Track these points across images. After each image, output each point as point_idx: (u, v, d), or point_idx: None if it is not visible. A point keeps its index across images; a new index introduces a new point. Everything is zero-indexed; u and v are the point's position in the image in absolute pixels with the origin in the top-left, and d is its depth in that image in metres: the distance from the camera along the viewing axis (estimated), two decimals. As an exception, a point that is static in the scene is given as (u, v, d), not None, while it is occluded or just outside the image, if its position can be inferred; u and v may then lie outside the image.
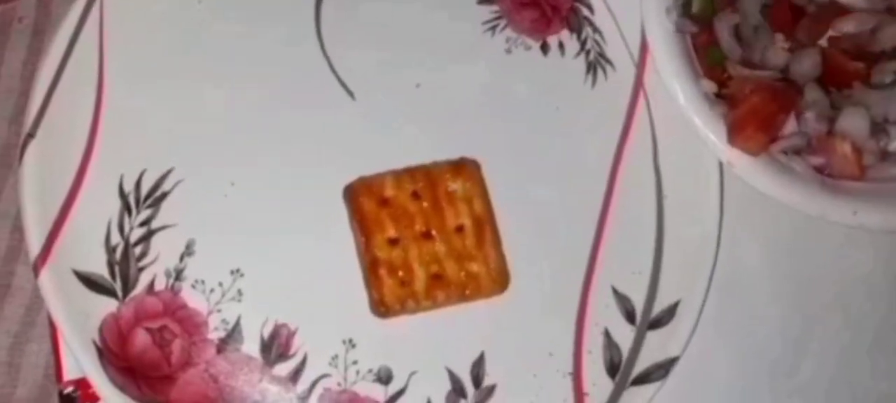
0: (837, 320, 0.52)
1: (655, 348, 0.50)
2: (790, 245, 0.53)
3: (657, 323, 0.50)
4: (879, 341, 0.51)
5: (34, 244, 0.46)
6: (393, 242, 0.48)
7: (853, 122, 0.49)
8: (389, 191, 0.49)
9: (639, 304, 0.51)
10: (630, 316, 0.51)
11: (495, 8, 0.54)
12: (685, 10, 0.51)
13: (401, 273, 0.48)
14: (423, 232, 0.49)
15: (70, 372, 0.46)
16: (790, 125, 0.50)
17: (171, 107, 0.50)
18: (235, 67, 0.51)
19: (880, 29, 0.52)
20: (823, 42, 0.53)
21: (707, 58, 0.51)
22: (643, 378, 0.49)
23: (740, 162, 0.49)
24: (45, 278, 0.46)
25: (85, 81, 0.49)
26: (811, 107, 0.49)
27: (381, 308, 0.48)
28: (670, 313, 0.50)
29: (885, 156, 0.51)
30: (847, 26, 0.52)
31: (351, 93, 0.52)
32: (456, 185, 0.49)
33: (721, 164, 0.51)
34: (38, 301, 0.48)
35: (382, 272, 0.48)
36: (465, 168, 0.50)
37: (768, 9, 0.53)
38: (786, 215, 0.50)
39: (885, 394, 0.51)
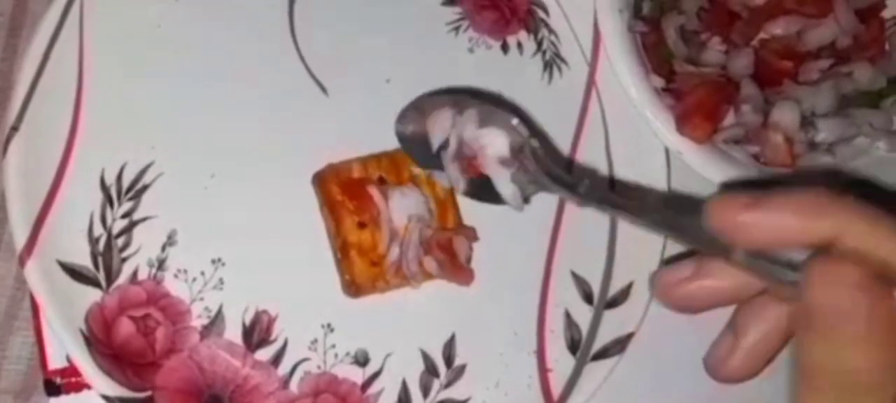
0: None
1: (613, 325, 0.53)
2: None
3: (613, 303, 0.54)
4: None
5: (19, 236, 0.46)
6: (362, 225, 0.50)
7: (785, 115, 0.54)
8: (356, 177, 0.50)
9: (596, 286, 0.54)
10: (588, 297, 0.54)
11: (458, 9, 0.57)
12: (636, 11, 0.55)
13: (371, 254, 0.50)
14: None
15: (54, 362, 0.47)
16: (730, 118, 0.54)
17: (151, 101, 0.51)
18: (213, 63, 0.52)
19: (806, 31, 0.57)
20: (756, 43, 0.57)
21: (656, 56, 0.55)
22: (602, 354, 0.52)
23: (687, 150, 0.53)
24: (31, 269, 0.46)
25: (66, 76, 0.50)
26: (747, 102, 0.54)
27: (352, 288, 0.49)
28: (625, 293, 0.54)
29: (812, 146, 0.55)
30: (776, 29, 0.57)
31: (324, 89, 0.54)
32: (419, 170, 0.51)
33: (668, 153, 0.54)
34: (19, 293, 0.48)
35: (353, 254, 0.49)
36: None
37: (706, 12, 0.57)
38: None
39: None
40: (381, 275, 0.50)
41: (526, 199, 0.46)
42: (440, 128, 0.47)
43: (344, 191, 0.50)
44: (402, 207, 0.49)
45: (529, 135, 0.44)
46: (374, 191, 0.49)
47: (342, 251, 0.50)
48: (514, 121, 0.45)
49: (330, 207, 0.50)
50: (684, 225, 0.36)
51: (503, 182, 0.45)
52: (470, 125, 0.46)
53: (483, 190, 0.46)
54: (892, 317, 0.30)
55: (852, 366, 0.30)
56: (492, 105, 0.46)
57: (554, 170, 0.44)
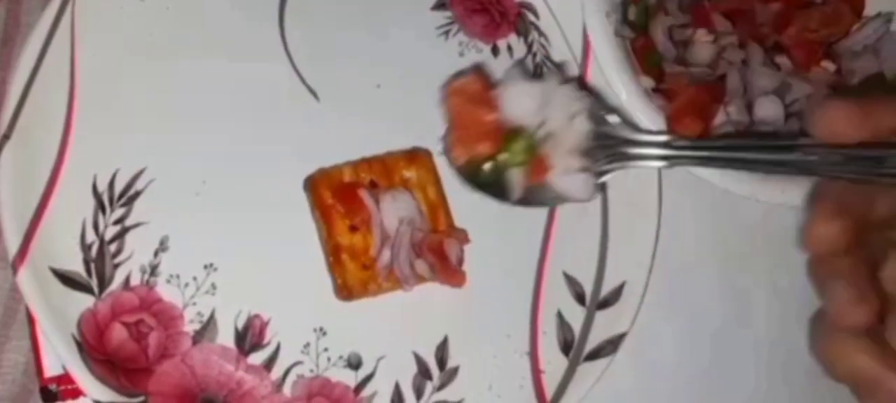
0: (768, 293, 0.57)
1: (605, 326, 0.53)
2: (723, 226, 0.57)
3: (605, 303, 0.54)
4: (803, 310, 0.56)
5: (12, 243, 0.47)
6: (353, 229, 0.50)
7: (768, 110, 0.54)
8: (347, 181, 0.50)
9: (588, 287, 0.54)
10: (580, 298, 0.54)
11: (448, 14, 0.57)
12: (623, 17, 0.55)
13: (363, 257, 0.50)
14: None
15: (50, 369, 0.47)
16: (720, 116, 0.54)
17: (143, 108, 0.51)
18: (204, 71, 0.52)
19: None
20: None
21: (645, 60, 0.55)
22: (594, 354, 0.52)
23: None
24: (24, 276, 0.46)
25: (58, 84, 0.50)
26: (733, 95, 0.54)
27: (344, 291, 0.50)
28: (617, 294, 0.54)
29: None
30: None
31: (315, 94, 0.54)
32: (410, 173, 0.52)
33: (659, 155, 0.55)
34: (14, 301, 0.48)
35: (345, 257, 0.50)
36: (418, 156, 0.52)
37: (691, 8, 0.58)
38: (719, 198, 0.54)
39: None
40: (372, 279, 0.50)
41: (600, 186, 0.43)
42: (524, 113, 0.43)
43: (335, 195, 0.50)
44: (394, 210, 0.50)
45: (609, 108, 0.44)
46: (365, 195, 0.50)
47: (334, 255, 0.50)
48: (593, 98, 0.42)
49: (321, 211, 0.50)
50: (779, 156, 0.38)
51: (566, 178, 0.43)
52: (558, 112, 0.42)
53: (533, 197, 0.44)
54: None
55: None
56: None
57: (638, 136, 0.42)
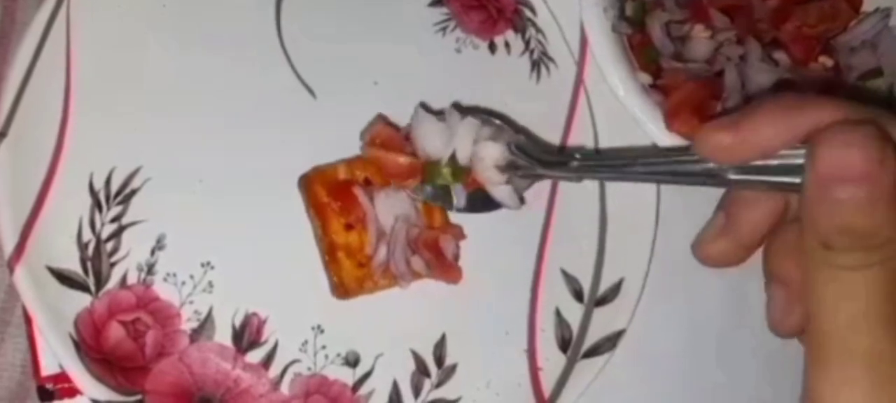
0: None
1: (603, 323, 0.53)
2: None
3: (603, 300, 0.54)
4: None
5: (8, 241, 0.46)
6: (349, 227, 0.50)
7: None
8: (342, 178, 0.50)
9: (586, 283, 0.54)
10: (578, 295, 0.54)
11: (445, 10, 0.57)
12: (620, 12, 0.55)
13: (358, 255, 0.50)
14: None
15: (47, 368, 0.47)
16: (717, 113, 0.54)
17: (139, 106, 0.51)
18: (200, 68, 0.52)
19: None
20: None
21: (642, 56, 0.55)
22: (593, 351, 0.52)
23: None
24: (20, 275, 0.46)
25: (53, 82, 0.50)
26: (731, 90, 0.54)
27: (340, 290, 0.50)
28: (615, 290, 0.54)
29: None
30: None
31: (312, 92, 0.54)
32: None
33: (657, 150, 0.55)
34: (11, 300, 0.48)
35: (340, 255, 0.49)
36: None
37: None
38: (718, 194, 0.54)
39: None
40: (368, 276, 0.50)
41: (522, 198, 0.48)
42: (434, 148, 0.48)
43: (330, 193, 0.50)
44: (389, 208, 0.49)
45: (515, 131, 0.47)
46: (359, 193, 0.49)
47: (329, 253, 0.50)
48: (497, 122, 0.47)
49: (316, 209, 0.50)
50: (676, 166, 0.38)
51: (498, 188, 0.47)
52: (464, 142, 0.47)
53: (478, 202, 0.49)
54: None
55: (865, 226, 0.32)
56: (475, 113, 0.48)
57: (544, 155, 0.46)
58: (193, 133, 0.51)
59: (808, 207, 0.33)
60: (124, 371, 0.47)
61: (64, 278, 0.48)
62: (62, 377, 0.47)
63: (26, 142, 0.48)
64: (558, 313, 0.53)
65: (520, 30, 0.58)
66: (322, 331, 0.50)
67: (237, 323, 0.50)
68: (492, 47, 0.57)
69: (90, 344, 0.47)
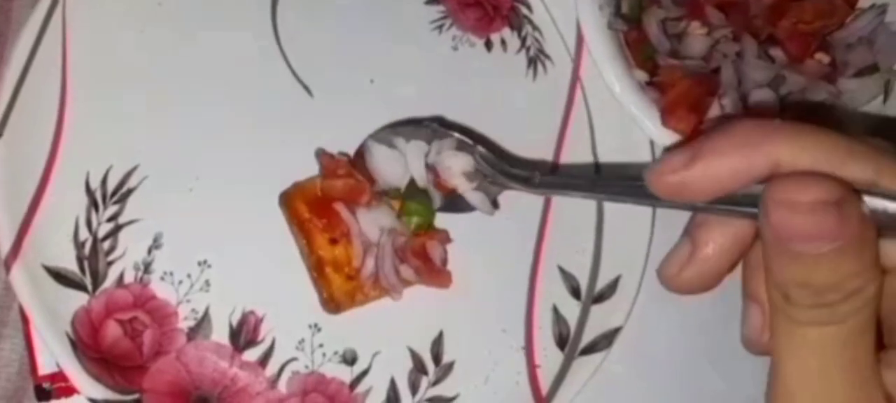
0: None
1: (600, 320, 0.53)
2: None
3: (601, 298, 0.54)
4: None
5: (4, 240, 0.47)
6: (333, 241, 0.49)
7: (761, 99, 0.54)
8: (321, 194, 0.50)
9: (583, 281, 0.54)
10: (575, 292, 0.54)
11: (441, 8, 0.57)
12: (616, 9, 0.55)
13: (346, 268, 0.49)
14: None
15: (44, 367, 0.47)
16: (714, 109, 0.54)
17: (135, 105, 0.51)
18: (197, 67, 0.52)
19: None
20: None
21: (638, 53, 0.55)
22: (590, 348, 0.52)
23: (672, 142, 0.53)
24: (17, 274, 0.46)
25: (49, 81, 0.50)
26: (728, 87, 0.54)
27: (331, 304, 0.49)
28: (612, 287, 0.54)
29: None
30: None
31: (308, 90, 0.54)
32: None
33: (653, 146, 0.54)
34: (7, 299, 0.48)
35: (328, 270, 0.49)
36: None
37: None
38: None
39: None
40: (358, 289, 0.49)
41: (494, 203, 0.49)
42: (394, 176, 0.49)
43: (311, 210, 0.49)
44: (372, 220, 0.49)
45: (475, 145, 0.48)
46: (341, 209, 0.49)
47: (317, 268, 0.49)
48: (457, 135, 0.48)
49: (299, 226, 0.49)
50: (640, 190, 0.36)
51: (470, 193, 0.49)
52: (416, 164, 0.49)
53: (456, 203, 0.49)
54: (855, 222, 0.29)
55: (824, 282, 0.30)
56: (438, 129, 0.49)
57: (506, 168, 0.47)
58: (190, 131, 0.51)
59: (767, 254, 0.31)
60: (121, 369, 0.47)
61: (61, 277, 0.48)
62: (59, 376, 0.47)
63: (23, 141, 0.48)
64: (556, 310, 0.53)
65: (516, 27, 0.58)
66: (319, 330, 0.50)
67: (234, 322, 0.50)
68: (488, 45, 0.57)
69: (87, 343, 0.47)
